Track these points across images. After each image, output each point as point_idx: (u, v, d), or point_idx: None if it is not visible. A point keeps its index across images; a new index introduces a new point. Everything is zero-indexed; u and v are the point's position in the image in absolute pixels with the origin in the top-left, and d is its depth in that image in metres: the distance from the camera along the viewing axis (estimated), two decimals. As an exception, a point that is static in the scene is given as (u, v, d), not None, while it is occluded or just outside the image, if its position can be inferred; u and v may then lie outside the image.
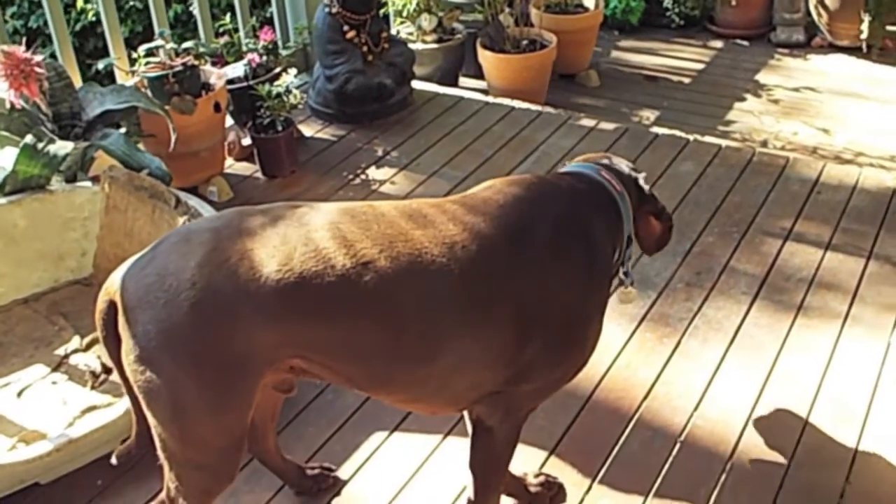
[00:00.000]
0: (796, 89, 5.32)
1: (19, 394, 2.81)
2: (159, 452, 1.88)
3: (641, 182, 2.18)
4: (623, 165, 2.20)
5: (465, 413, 2.26)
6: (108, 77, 4.43)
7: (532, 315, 1.88)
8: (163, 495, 2.00)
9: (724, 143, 4.20)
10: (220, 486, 1.96)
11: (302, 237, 1.78)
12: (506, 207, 1.92)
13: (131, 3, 6.17)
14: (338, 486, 2.50)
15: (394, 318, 1.79)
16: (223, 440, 1.86)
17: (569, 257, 1.94)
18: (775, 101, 5.18)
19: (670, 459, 2.54)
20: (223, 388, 1.78)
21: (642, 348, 2.94)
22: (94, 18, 5.60)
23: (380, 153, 4.21)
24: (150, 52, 3.80)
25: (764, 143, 4.62)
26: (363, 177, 4.03)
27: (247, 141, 4.14)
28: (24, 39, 3.24)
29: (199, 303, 1.71)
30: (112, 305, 1.82)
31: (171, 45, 3.80)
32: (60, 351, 2.96)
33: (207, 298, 1.71)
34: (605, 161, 2.19)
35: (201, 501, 1.97)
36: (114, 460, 2.06)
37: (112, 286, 1.83)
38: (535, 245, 1.89)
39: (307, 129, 4.43)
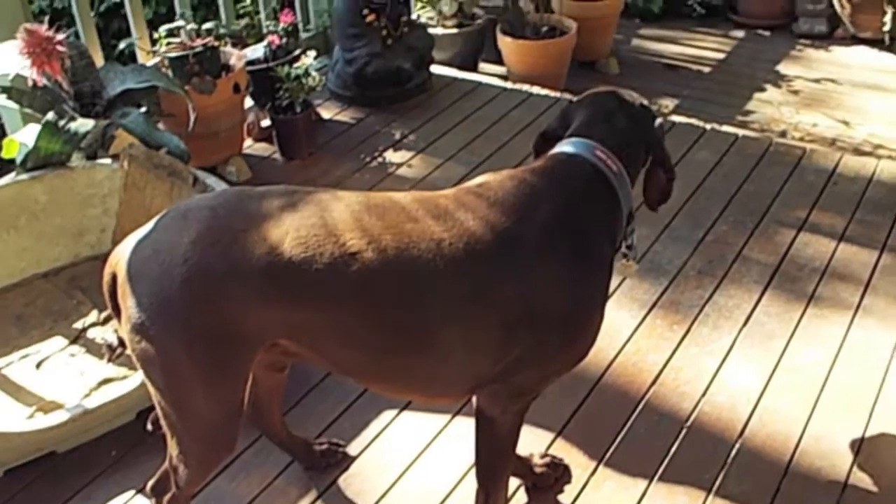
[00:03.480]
0: (817, 80, 5.29)
1: (38, 365, 2.86)
2: (161, 421, 1.95)
3: (657, 127, 2.09)
4: (635, 107, 2.07)
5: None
6: (130, 58, 4.47)
7: (519, 317, 1.85)
8: (166, 464, 2.06)
9: (741, 132, 4.19)
10: (217, 456, 2.02)
11: (294, 222, 1.81)
12: (495, 207, 1.88)
13: (155, -17, 6.22)
14: (346, 462, 2.54)
15: (378, 308, 1.81)
16: (218, 413, 1.91)
17: (559, 260, 1.88)
18: (795, 92, 5.16)
19: (676, 444, 2.56)
20: (214, 361, 1.83)
21: (652, 334, 2.96)
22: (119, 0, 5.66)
23: (397, 136, 4.24)
24: (171, 33, 3.83)
25: (783, 134, 4.61)
26: (380, 160, 4.05)
27: (266, 122, 4.18)
28: (47, 18, 3.27)
29: (191, 279, 1.75)
30: (115, 277, 1.87)
31: (192, 25, 3.83)
32: (79, 324, 3.01)
33: (199, 275, 1.76)
34: (611, 104, 2.06)
35: (200, 470, 2.03)
36: (149, 426, 2.13)
37: (114, 258, 1.90)
38: (524, 249, 1.85)
39: (326, 112, 4.46)
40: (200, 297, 1.76)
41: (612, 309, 2.05)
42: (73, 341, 2.96)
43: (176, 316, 1.78)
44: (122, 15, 5.75)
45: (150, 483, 2.14)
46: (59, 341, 2.96)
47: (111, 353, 2.87)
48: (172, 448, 1.98)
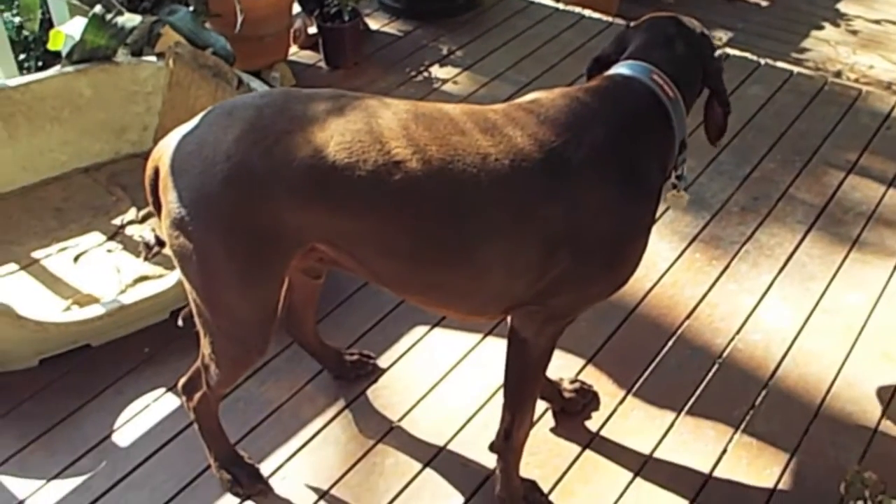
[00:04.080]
0: (877, 21, 5.14)
1: (76, 259, 2.88)
2: (196, 319, 1.96)
3: (716, 58, 2.02)
4: (695, 35, 2.00)
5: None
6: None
7: (562, 237, 1.82)
8: (198, 363, 2.08)
9: (796, 69, 4.09)
10: (249, 358, 2.03)
11: (340, 127, 1.78)
12: (546, 124, 1.83)
13: None
14: (375, 374, 2.56)
15: (419, 219, 1.78)
16: (252, 313, 1.91)
17: (606, 183, 1.84)
18: (854, 32, 5.02)
19: (707, 379, 2.55)
20: (251, 260, 1.82)
21: (691, 268, 2.93)
22: None
23: (444, 52, 4.17)
24: (222, -69, 3.76)
25: (837, 74, 4.49)
26: (426, 74, 4.00)
27: (312, 29, 4.12)
28: None
29: (232, 176, 1.74)
30: (157, 171, 1.87)
31: (244, -75, 3.76)
32: (117, 221, 3.03)
33: (240, 173, 1.74)
34: (671, 29, 1.99)
35: (231, 371, 2.04)
36: (180, 322, 2.15)
37: (157, 152, 1.89)
38: (571, 169, 1.81)
39: (374, 22, 4.39)
40: (241, 194, 1.75)
41: (651, 240, 1.99)
42: (111, 237, 2.97)
43: (215, 212, 1.77)
44: (171, -89, 5.69)
45: (182, 381, 2.16)
46: (96, 236, 2.98)
47: (148, 251, 2.89)
48: (205, 347, 1.99)
